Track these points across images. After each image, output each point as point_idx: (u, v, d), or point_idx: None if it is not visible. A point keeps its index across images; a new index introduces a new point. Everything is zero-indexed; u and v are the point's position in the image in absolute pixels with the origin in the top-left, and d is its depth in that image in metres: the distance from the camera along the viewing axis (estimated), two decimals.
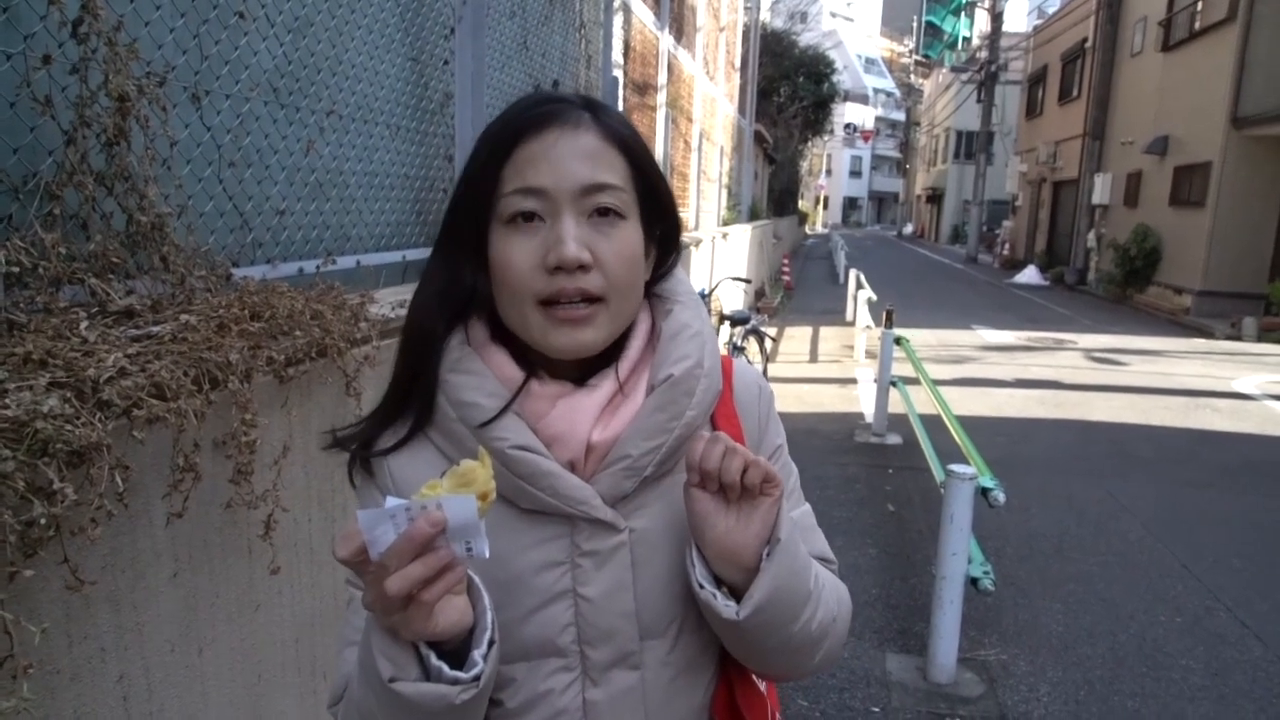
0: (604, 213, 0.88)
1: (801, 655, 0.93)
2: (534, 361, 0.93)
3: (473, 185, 0.91)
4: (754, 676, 1.02)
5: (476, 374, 0.91)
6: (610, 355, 0.94)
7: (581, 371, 0.93)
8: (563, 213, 0.87)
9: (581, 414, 0.90)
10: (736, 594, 0.88)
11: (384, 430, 0.95)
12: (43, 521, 1.05)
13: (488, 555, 0.75)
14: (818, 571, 0.94)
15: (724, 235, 11.21)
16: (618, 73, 5.83)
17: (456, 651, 0.81)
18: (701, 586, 0.88)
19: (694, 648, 0.96)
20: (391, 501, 0.72)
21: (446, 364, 0.92)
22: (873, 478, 6.05)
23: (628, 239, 0.90)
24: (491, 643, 0.81)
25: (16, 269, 1.30)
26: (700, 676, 0.98)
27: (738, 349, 7.53)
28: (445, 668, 0.78)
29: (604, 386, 0.92)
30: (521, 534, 0.91)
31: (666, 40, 7.57)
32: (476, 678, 0.79)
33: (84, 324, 1.31)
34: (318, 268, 2.22)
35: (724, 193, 12.91)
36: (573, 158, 0.87)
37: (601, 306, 0.88)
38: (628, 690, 0.93)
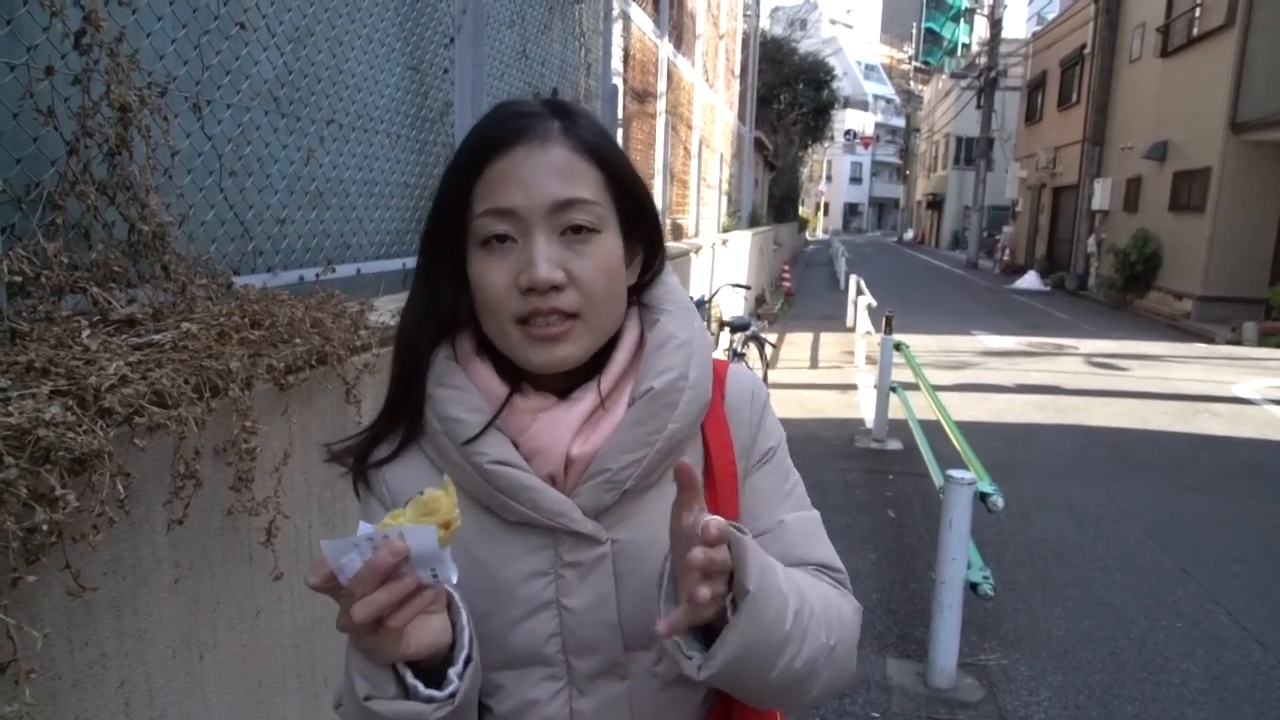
0: (577, 229, 0.87)
1: (790, 694, 0.87)
2: (519, 374, 0.92)
3: (446, 206, 0.91)
4: None
5: (459, 388, 0.92)
6: (596, 367, 0.93)
7: (566, 383, 0.93)
8: (534, 232, 0.86)
9: (561, 427, 0.90)
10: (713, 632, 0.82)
11: (379, 443, 0.97)
12: (45, 528, 1.06)
13: (454, 581, 0.76)
14: (800, 607, 0.83)
15: (724, 242, 11.23)
16: (617, 80, 5.85)
17: (438, 668, 0.81)
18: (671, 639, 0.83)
19: None
20: (362, 530, 0.74)
21: (432, 378, 0.93)
22: (873, 483, 6.05)
23: (604, 253, 0.89)
24: (469, 660, 0.82)
25: (19, 278, 1.31)
26: (693, 688, 0.95)
27: (738, 355, 7.54)
28: (421, 686, 0.79)
29: (585, 400, 0.91)
30: (506, 545, 0.91)
31: (666, 48, 7.60)
32: (452, 695, 0.80)
33: (86, 332, 1.32)
34: (318, 276, 2.23)
35: (724, 199, 12.94)
36: (542, 175, 0.86)
37: (578, 322, 0.88)
38: (614, 700, 0.93)
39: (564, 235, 0.87)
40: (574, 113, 0.92)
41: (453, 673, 0.81)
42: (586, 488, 0.90)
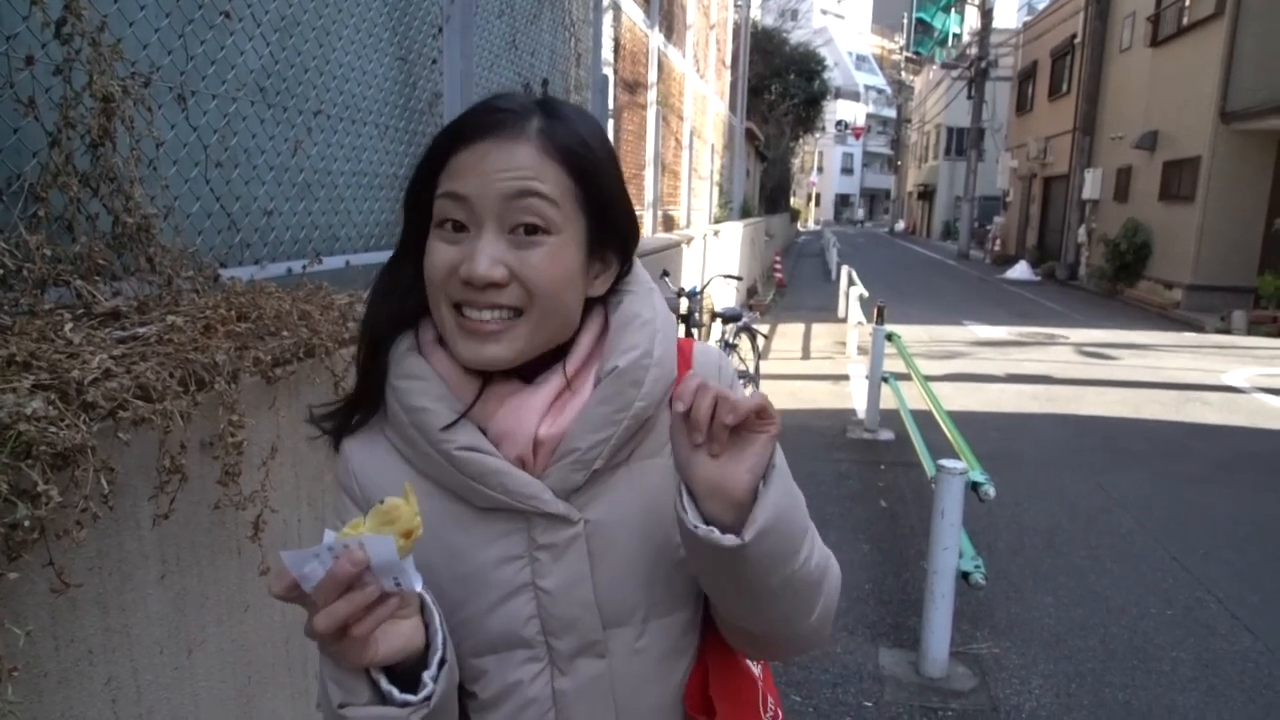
0: (531, 230, 0.86)
1: (803, 600, 0.89)
2: None
3: (414, 187, 0.92)
4: (745, 660, 1.01)
5: (421, 378, 0.91)
6: (561, 353, 0.94)
7: (532, 369, 0.93)
8: (484, 225, 0.85)
9: (528, 410, 0.90)
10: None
11: (351, 417, 0.98)
12: (27, 524, 1.05)
13: (418, 589, 0.77)
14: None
15: (715, 233, 11.22)
16: (608, 71, 5.82)
17: (413, 670, 0.82)
18: (696, 527, 0.82)
19: (668, 634, 0.96)
20: (325, 539, 0.74)
21: (393, 368, 0.93)
22: (865, 473, 6.07)
23: (555, 256, 0.87)
24: (443, 662, 0.83)
25: (1, 271, 1.29)
26: (677, 664, 0.98)
27: (730, 346, 7.53)
28: (396, 691, 0.80)
29: (551, 382, 0.92)
30: (478, 531, 0.92)
31: (656, 38, 7.57)
32: (427, 698, 0.81)
33: (69, 326, 1.31)
34: (305, 268, 2.21)
35: (715, 190, 12.93)
36: (501, 170, 0.85)
37: (520, 321, 0.87)
38: (595, 679, 0.94)
39: (514, 233, 0.86)
40: (561, 116, 0.90)
41: (427, 675, 0.82)
42: (556, 469, 0.90)
